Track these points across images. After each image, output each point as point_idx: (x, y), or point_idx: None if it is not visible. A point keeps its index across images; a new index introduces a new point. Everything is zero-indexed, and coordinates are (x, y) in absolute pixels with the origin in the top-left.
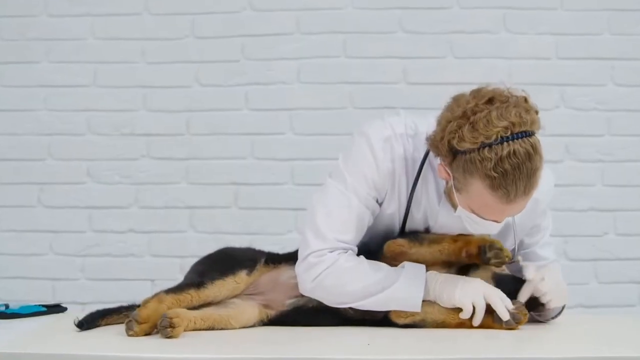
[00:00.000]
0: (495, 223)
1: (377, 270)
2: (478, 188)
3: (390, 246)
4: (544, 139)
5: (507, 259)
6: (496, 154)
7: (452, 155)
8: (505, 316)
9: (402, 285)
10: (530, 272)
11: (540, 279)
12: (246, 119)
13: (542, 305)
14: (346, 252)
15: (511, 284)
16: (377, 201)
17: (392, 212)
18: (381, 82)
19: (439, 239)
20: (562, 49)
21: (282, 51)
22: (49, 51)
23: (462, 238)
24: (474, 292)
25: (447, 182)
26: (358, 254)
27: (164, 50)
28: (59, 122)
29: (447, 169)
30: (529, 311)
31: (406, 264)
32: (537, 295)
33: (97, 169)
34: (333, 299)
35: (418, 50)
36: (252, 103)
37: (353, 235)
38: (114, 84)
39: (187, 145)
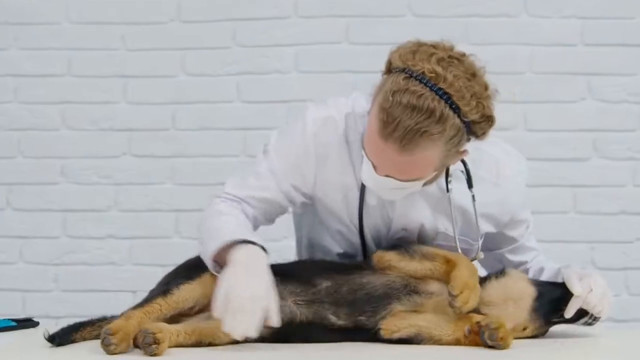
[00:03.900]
0: (378, 177)
1: (226, 222)
2: (374, 109)
3: (380, 261)
4: (569, 134)
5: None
6: (406, 86)
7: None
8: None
9: (210, 247)
10: (576, 287)
11: (589, 291)
12: (238, 112)
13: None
14: (233, 202)
15: (554, 291)
16: (302, 192)
17: (340, 208)
18: None
19: (432, 255)
20: (589, 35)
21: (278, 37)
22: (18, 36)
23: (454, 259)
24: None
25: None
26: (329, 262)
27: (147, 36)
28: (30, 115)
29: None
30: (572, 321)
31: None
32: (587, 308)
33: (72, 168)
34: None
35: (429, 35)
36: (245, 94)
37: (253, 202)
38: (91, 73)
39: (173, 141)
